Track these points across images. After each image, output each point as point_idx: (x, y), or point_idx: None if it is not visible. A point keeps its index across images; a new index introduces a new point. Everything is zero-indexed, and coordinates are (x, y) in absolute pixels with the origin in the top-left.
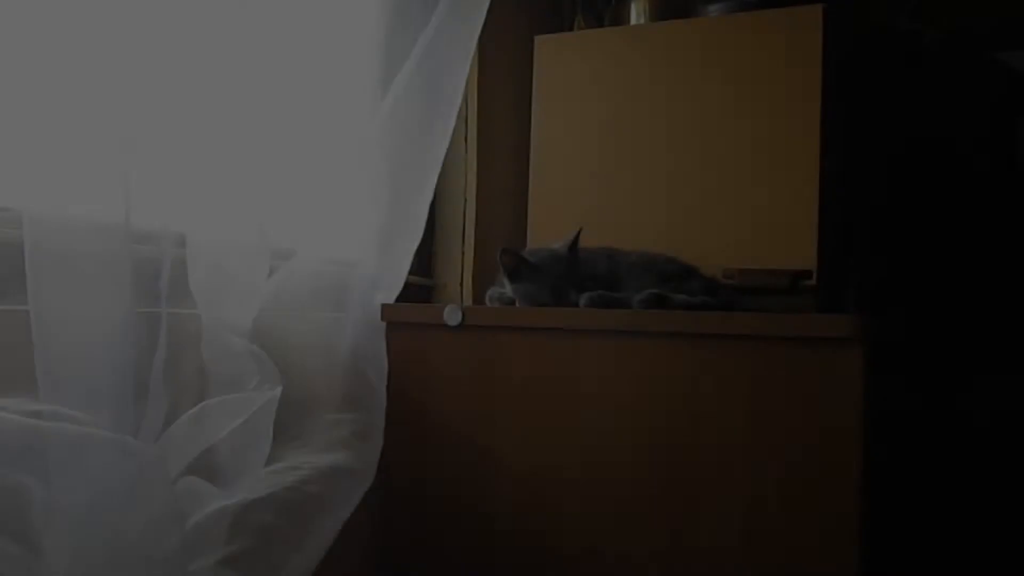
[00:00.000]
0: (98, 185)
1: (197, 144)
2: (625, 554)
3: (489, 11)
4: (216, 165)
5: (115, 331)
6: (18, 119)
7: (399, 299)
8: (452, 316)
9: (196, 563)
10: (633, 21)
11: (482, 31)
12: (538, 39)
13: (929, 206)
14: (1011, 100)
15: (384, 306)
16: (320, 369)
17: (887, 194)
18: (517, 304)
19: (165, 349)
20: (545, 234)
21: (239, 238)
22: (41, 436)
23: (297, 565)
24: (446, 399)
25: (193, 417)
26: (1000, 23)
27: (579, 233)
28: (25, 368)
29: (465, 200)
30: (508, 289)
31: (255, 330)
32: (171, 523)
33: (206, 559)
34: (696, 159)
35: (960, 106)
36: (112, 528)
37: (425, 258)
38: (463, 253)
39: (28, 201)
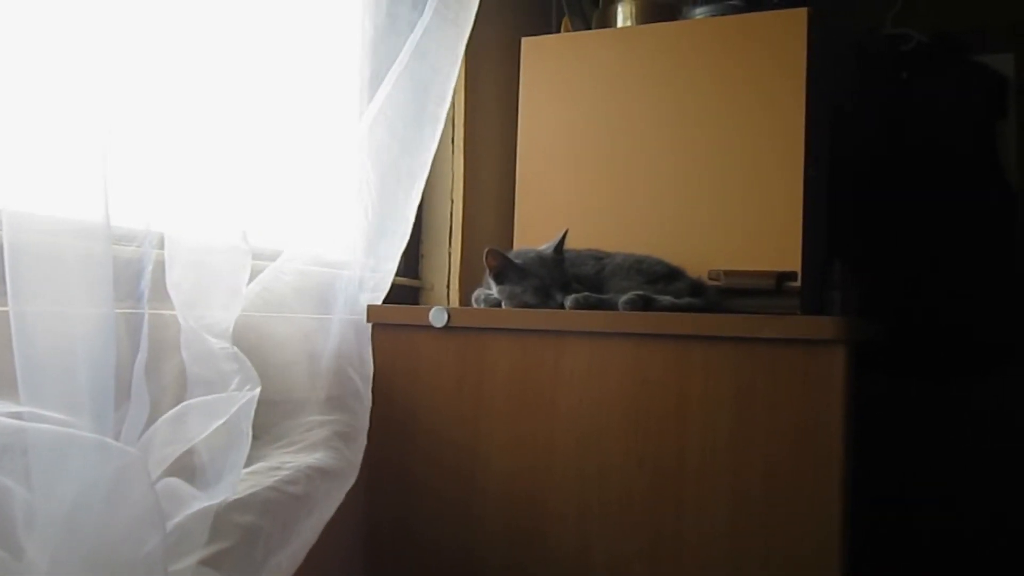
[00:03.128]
0: (79, 185)
1: (181, 144)
2: (611, 552)
3: (476, 13)
4: (200, 165)
5: (96, 332)
6: None
7: (387, 300)
8: (438, 317)
9: (177, 564)
10: (619, 24)
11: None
12: (525, 41)
13: (912, 207)
14: (992, 103)
15: (370, 307)
16: (305, 370)
17: (871, 195)
18: (503, 305)
19: (147, 350)
20: (531, 236)
21: (219, 238)
22: (22, 437)
23: (279, 565)
24: (432, 400)
25: (173, 418)
26: (982, 26)
27: (565, 235)
28: (5, 370)
29: (452, 202)
30: (494, 290)
31: (241, 331)
32: (153, 524)
33: (187, 560)
34: (682, 161)
35: (943, 108)
36: (94, 529)
37: (412, 260)
38: (450, 255)
39: (8, 201)
